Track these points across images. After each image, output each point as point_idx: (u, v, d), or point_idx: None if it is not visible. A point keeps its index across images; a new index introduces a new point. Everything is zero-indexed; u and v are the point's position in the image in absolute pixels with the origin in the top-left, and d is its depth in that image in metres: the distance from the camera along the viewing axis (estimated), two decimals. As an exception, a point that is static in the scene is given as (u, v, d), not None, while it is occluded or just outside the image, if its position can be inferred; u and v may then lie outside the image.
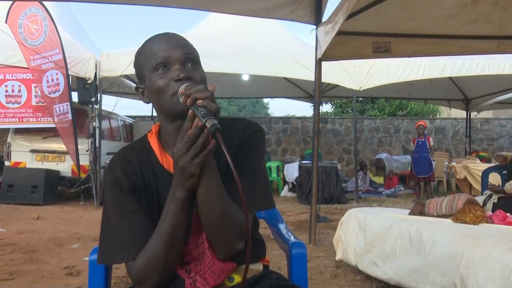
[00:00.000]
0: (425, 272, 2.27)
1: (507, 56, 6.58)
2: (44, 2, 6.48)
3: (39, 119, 7.04)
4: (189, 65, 0.99)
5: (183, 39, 1.04)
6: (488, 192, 3.96)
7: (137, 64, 1.05)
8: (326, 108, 16.98)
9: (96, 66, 6.86)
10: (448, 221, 2.67)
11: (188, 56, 1.00)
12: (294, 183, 8.52)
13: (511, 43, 3.82)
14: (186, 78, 0.96)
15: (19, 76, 7.02)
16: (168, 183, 0.97)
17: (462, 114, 11.38)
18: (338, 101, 15.84)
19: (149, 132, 1.09)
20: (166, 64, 0.98)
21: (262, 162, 1.08)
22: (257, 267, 1.09)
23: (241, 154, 1.04)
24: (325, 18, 3.74)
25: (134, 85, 7.06)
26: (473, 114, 10.97)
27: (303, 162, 8.37)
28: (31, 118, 7.05)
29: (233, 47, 7.23)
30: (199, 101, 0.87)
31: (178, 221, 0.93)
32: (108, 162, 5.54)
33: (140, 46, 1.06)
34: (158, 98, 0.99)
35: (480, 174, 7.35)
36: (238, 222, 0.95)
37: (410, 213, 3.07)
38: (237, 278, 1.04)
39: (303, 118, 12.69)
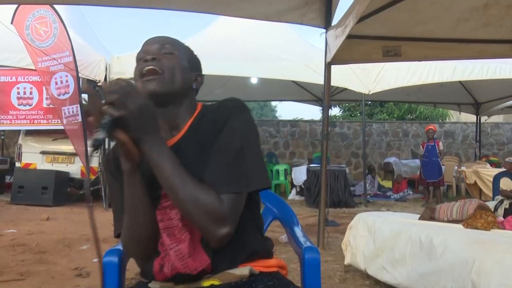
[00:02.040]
0: (435, 278, 2.25)
1: (519, 60, 6.51)
2: (55, 6, 6.55)
3: (49, 121, 7.11)
4: (163, 54, 1.06)
5: (166, 37, 1.11)
6: (499, 197, 3.92)
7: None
8: (335, 111, 16.97)
9: (106, 68, 6.91)
10: (459, 226, 2.65)
11: (162, 47, 1.07)
12: (302, 186, 8.50)
13: (524, 47, 3.79)
14: (151, 59, 1.03)
15: (30, 79, 7.10)
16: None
17: (472, 118, 11.27)
18: (347, 104, 15.79)
19: None
20: (144, 56, 1.05)
21: (245, 137, 1.00)
22: (241, 272, 1.00)
23: (219, 132, 1.00)
24: (335, 21, 3.74)
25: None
26: (483, 119, 10.86)
27: (311, 165, 8.35)
28: (42, 120, 7.12)
29: (242, 50, 7.24)
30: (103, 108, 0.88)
31: (132, 191, 0.97)
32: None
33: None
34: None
35: (491, 179, 7.28)
36: (203, 204, 0.92)
37: (420, 218, 3.05)
38: (213, 282, 0.99)
39: (311, 121, 12.67)
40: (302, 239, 1.31)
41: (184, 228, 1.00)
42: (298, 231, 1.37)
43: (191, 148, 1.02)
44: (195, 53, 1.18)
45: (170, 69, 1.05)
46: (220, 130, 1.00)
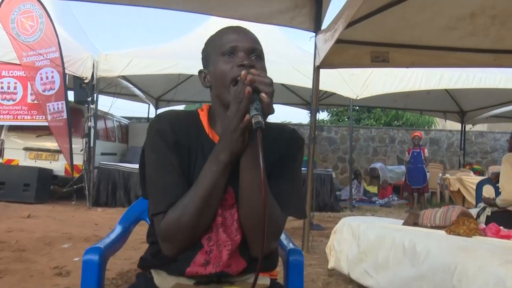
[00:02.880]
0: (418, 283, 2.26)
1: (503, 70, 6.63)
2: (42, 0, 6.46)
3: (34, 117, 6.98)
4: (253, 56, 1.04)
5: (253, 35, 1.09)
6: (482, 205, 3.97)
7: (205, 50, 1.11)
8: (322, 115, 17.07)
9: (93, 66, 6.83)
10: (442, 232, 2.67)
11: (254, 49, 1.05)
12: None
13: (508, 57, 3.86)
14: (249, 65, 1.00)
15: (15, 73, 6.97)
16: (209, 152, 0.99)
17: (457, 126, 11.45)
18: (335, 109, 15.89)
19: (199, 108, 1.13)
20: (233, 51, 1.03)
21: (301, 170, 1.12)
22: (264, 281, 1.06)
23: (285, 158, 1.07)
24: (324, 25, 3.76)
25: (131, 86, 6.99)
26: (468, 127, 11.04)
27: (298, 169, 8.34)
28: (26, 115, 6.99)
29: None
30: (262, 94, 0.90)
31: (217, 183, 0.95)
32: (100, 162, 5.46)
33: (212, 34, 1.12)
34: (219, 81, 1.03)
35: (474, 186, 7.37)
36: (277, 220, 0.99)
37: (404, 223, 3.07)
38: None
39: (299, 125, 12.71)
40: (285, 241, 1.30)
41: (239, 229, 1.01)
42: (291, 245, 1.37)
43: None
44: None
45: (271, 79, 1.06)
46: (285, 156, 1.07)
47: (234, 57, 1.02)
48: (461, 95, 9.29)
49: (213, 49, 1.07)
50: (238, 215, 1.00)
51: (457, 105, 10.06)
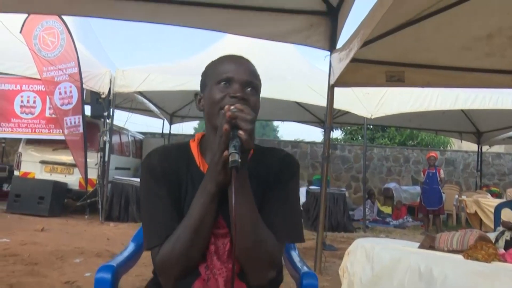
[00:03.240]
0: (434, 309, 2.18)
1: (521, 91, 6.53)
2: (63, 17, 6.64)
3: (51, 130, 7.12)
4: (248, 89, 1.06)
5: (253, 67, 1.12)
6: (500, 228, 3.86)
7: (205, 73, 1.14)
8: (336, 134, 17.01)
9: (110, 81, 6.96)
10: (459, 257, 2.59)
11: (250, 82, 1.07)
12: (301, 208, 8.43)
13: (526, 78, 3.80)
14: (241, 97, 1.02)
15: (35, 87, 7.14)
16: (199, 183, 1.02)
17: (473, 147, 11.27)
18: (348, 128, 15.82)
19: (191, 139, 1.15)
20: (229, 81, 1.05)
21: (298, 194, 1.13)
22: None
23: (280, 182, 1.08)
24: (339, 45, 3.76)
25: (147, 101, 7.07)
26: (485, 148, 10.85)
27: (311, 187, 8.29)
28: (43, 129, 7.13)
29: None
30: (240, 132, 0.91)
31: (206, 214, 0.97)
32: (114, 176, 5.50)
33: (214, 59, 1.15)
34: (210, 108, 1.05)
35: (491, 209, 7.21)
36: (270, 250, 0.99)
37: (420, 246, 2.99)
38: None
39: (312, 143, 12.67)
40: (299, 263, 1.27)
41: (230, 258, 1.03)
42: (295, 255, 1.33)
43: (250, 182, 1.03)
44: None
45: (255, 114, 1.04)
46: (278, 181, 1.08)
47: (229, 88, 1.04)
48: (477, 116, 9.16)
49: (211, 75, 1.09)
50: (230, 244, 1.03)
51: (473, 125, 9.92)
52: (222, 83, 1.05)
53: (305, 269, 1.22)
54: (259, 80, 1.11)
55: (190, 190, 1.04)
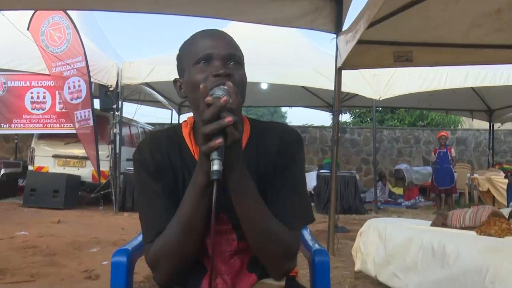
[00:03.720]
0: (448, 286, 2.21)
1: (533, 66, 6.41)
2: (68, 11, 6.66)
3: (62, 125, 7.21)
4: (231, 63, 0.97)
5: (230, 39, 1.01)
6: (513, 205, 3.85)
7: (179, 57, 1.04)
8: (345, 118, 16.90)
9: (118, 74, 7.00)
10: (472, 233, 2.60)
11: (231, 55, 0.97)
12: (312, 192, 8.47)
13: (538, 52, 3.73)
14: (225, 74, 0.93)
15: (44, 83, 7.22)
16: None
17: (484, 125, 11.13)
18: (357, 110, 15.72)
19: (184, 121, 1.08)
20: (208, 59, 0.96)
21: (303, 172, 1.06)
22: (279, 282, 1.04)
23: (282, 163, 1.00)
24: (345, 27, 3.73)
25: (154, 93, 7.06)
26: (496, 126, 10.71)
27: (321, 171, 8.30)
28: (54, 124, 7.23)
29: (252, 56, 7.24)
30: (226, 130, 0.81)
31: (197, 208, 0.90)
32: (125, 168, 5.54)
33: (186, 39, 1.04)
34: (194, 92, 0.95)
35: (504, 186, 7.18)
36: (284, 241, 0.94)
37: (432, 225, 3.01)
38: None
39: (321, 127, 12.64)
40: (311, 242, 1.29)
41: (236, 254, 1.01)
42: (306, 234, 1.35)
43: (249, 169, 0.96)
44: None
45: (243, 88, 0.97)
46: (281, 164, 1.00)
47: (210, 66, 0.95)
48: (488, 93, 9.02)
49: (187, 56, 1.00)
50: (236, 242, 1.00)
51: (484, 103, 9.78)
52: (201, 62, 0.96)
53: (317, 246, 1.24)
54: (240, 51, 1.01)
55: (188, 179, 0.96)
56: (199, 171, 0.88)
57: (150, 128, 10.22)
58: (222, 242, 1.00)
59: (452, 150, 7.95)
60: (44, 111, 7.24)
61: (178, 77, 1.04)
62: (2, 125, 7.41)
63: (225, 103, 0.81)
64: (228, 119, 0.80)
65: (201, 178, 0.88)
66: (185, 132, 1.04)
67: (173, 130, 1.06)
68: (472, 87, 8.04)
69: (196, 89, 0.90)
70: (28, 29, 6.81)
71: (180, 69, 1.03)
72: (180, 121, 11.26)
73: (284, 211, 0.96)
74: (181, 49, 1.04)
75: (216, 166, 0.80)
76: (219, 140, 0.81)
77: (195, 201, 0.90)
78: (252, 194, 0.91)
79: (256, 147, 1.01)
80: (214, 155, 0.81)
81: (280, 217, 0.95)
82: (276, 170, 1.00)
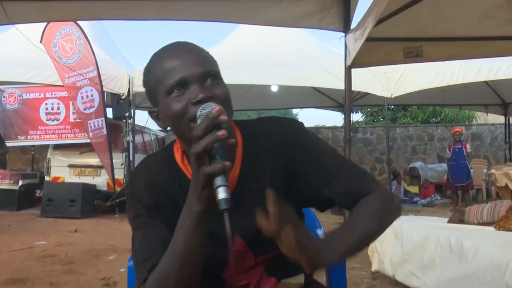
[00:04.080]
0: (467, 282, 2.17)
1: (547, 57, 6.27)
2: (79, 22, 6.77)
3: (76, 135, 7.33)
4: (208, 80, 0.85)
5: (198, 50, 0.90)
6: (532, 199, 3.77)
7: (147, 84, 0.91)
8: (357, 117, 16.79)
9: (129, 82, 7.08)
10: (490, 228, 2.56)
11: (206, 72, 0.85)
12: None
13: (552, 42, 3.66)
14: (206, 98, 0.82)
15: (58, 94, 7.36)
16: None
17: (500, 119, 10.93)
18: (369, 109, 15.60)
19: (175, 144, 0.97)
20: (182, 85, 0.84)
21: (328, 144, 1.00)
22: (298, 280, 1.02)
23: (305, 156, 0.94)
24: (353, 25, 3.71)
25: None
26: (512, 119, 10.52)
27: (334, 172, 8.24)
28: (69, 134, 7.35)
29: (261, 59, 7.28)
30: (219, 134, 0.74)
31: (192, 238, 0.81)
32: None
33: (149, 62, 0.91)
34: (175, 124, 0.86)
35: (523, 180, 7.02)
36: (367, 231, 0.92)
37: (449, 221, 2.96)
38: None
39: (333, 128, 12.57)
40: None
41: (255, 268, 0.96)
42: (321, 234, 1.34)
43: (256, 183, 0.91)
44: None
45: (228, 103, 0.86)
46: (304, 157, 0.93)
47: (186, 92, 0.84)
48: (502, 86, 8.85)
49: (157, 85, 0.87)
50: (253, 258, 0.94)
51: (499, 97, 9.60)
52: (175, 90, 0.84)
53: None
54: (213, 61, 0.90)
55: None
56: (192, 197, 0.78)
57: (162, 135, 10.29)
58: (238, 262, 0.93)
59: (467, 145, 7.84)
60: (59, 122, 7.37)
61: (152, 106, 0.92)
62: (18, 137, 7.56)
63: (218, 113, 0.75)
64: (221, 132, 0.74)
65: (197, 204, 0.78)
66: (177, 157, 0.95)
67: (167, 154, 0.97)
68: (485, 81, 7.91)
69: (176, 120, 0.84)
70: (41, 41, 6.95)
71: (153, 98, 0.90)
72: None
73: (353, 186, 0.93)
74: (146, 75, 0.91)
75: (223, 193, 0.72)
76: (228, 162, 0.73)
77: (190, 230, 0.81)
78: (343, 243, 0.85)
79: (254, 160, 0.93)
80: (219, 181, 0.72)
81: (353, 194, 0.92)
82: (306, 164, 0.93)
